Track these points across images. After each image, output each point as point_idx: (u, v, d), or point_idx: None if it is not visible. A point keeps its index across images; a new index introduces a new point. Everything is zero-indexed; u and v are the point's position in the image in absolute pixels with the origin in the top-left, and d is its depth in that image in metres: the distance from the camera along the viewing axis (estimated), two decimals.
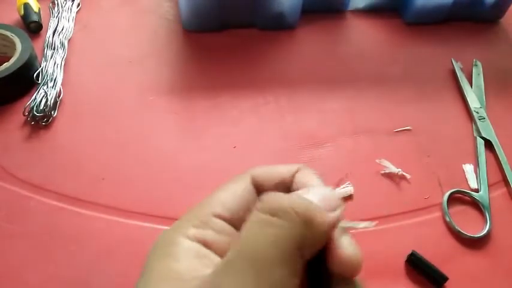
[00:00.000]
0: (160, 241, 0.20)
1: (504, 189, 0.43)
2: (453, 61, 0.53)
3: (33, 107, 0.45)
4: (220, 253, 0.19)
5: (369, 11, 0.60)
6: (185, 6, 0.53)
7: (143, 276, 0.19)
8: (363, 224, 0.20)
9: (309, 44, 0.56)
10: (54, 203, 0.39)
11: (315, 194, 0.19)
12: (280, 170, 0.23)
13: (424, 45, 0.57)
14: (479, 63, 0.53)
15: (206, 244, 0.20)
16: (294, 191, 0.22)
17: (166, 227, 0.24)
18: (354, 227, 0.20)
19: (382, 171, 0.43)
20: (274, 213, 0.18)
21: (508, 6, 0.60)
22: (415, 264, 0.36)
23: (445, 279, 0.36)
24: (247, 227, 0.18)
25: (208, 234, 0.20)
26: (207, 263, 0.19)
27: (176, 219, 0.22)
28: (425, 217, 0.40)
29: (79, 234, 0.37)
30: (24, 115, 0.45)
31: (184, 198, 0.39)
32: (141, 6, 0.60)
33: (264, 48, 0.55)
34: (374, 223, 0.21)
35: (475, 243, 0.38)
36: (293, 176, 0.22)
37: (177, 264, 0.18)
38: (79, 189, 0.40)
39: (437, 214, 0.40)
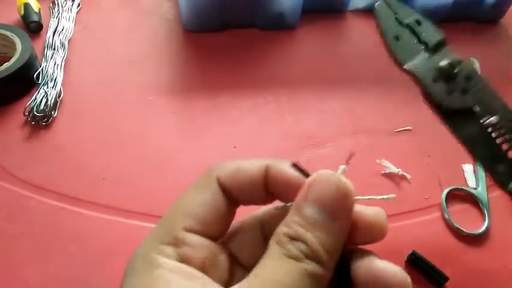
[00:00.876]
0: (140, 264, 0.19)
1: (503, 189, 0.43)
2: None
3: (33, 107, 0.45)
4: (201, 268, 0.19)
5: (369, 11, 0.60)
6: (185, 6, 0.53)
7: None
8: (381, 196, 0.20)
9: (309, 44, 0.56)
10: (54, 203, 0.39)
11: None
12: (248, 169, 0.21)
13: None
14: (477, 62, 0.53)
15: (186, 262, 0.19)
16: (272, 192, 0.21)
17: None
18: (373, 198, 0.20)
19: (382, 171, 0.43)
20: (318, 260, 0.17)
21: (508, 6, 0.60)
22: (415, 264, 0.36)
23: (445, 279, 0.36)
24: (284, 270, 0.17)
25: (186, 251, 0.19)
26: (195, 285, 0.18)
27: None
28: (425, 217, 0.40)
29: (79, 234, 0.37)
30: (25, 115, 0.45)
31: None
32: (141, 7, 0.60)
33: (264, 48, 0.55)
34: (393, 195, 0.21)
35: (474, 240, 0.38)
36: (263, 175, 0.21)
37: (176, 286, 0.18)
38: (79, 189, 0.40)
39: (438, 214, 0.40)
